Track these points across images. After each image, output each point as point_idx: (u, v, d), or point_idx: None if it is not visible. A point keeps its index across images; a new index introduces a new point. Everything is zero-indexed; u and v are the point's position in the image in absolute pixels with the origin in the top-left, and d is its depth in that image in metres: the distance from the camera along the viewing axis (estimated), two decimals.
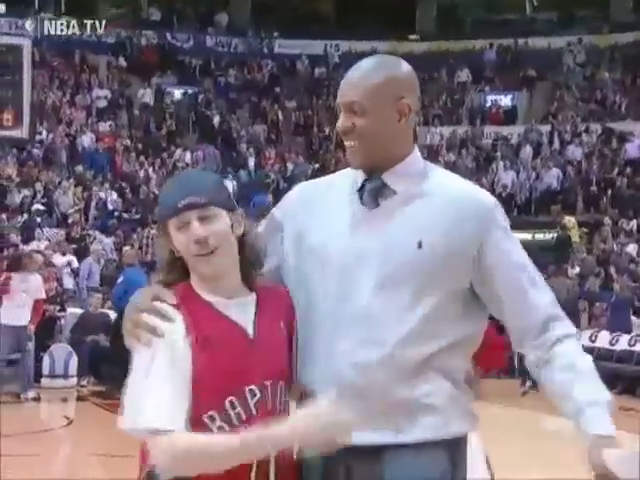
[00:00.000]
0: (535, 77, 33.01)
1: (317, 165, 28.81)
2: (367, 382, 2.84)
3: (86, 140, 28.36)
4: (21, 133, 22.98)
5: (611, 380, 15.51)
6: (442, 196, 2.98)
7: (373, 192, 2.97)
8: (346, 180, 3.06)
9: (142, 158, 28.32)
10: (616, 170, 27.87)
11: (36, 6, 32.26)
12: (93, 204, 24.78)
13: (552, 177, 27.66)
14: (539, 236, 24.98)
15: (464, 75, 32.77)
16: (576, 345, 2.98)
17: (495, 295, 2.96)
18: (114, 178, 26.42)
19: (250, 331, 2.70)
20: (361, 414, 2.60)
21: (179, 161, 28.24)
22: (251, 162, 28.50)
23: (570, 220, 25.15)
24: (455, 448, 2.97)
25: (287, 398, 2.76)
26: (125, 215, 24.16)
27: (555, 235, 24.78)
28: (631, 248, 22.76)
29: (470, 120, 31.97)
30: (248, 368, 2.67)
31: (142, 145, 29.33)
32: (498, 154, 29.71)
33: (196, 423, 2.58)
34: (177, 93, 32.83)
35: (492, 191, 23.66)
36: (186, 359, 2.63)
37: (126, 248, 18.76)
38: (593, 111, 31.27)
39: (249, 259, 2.78)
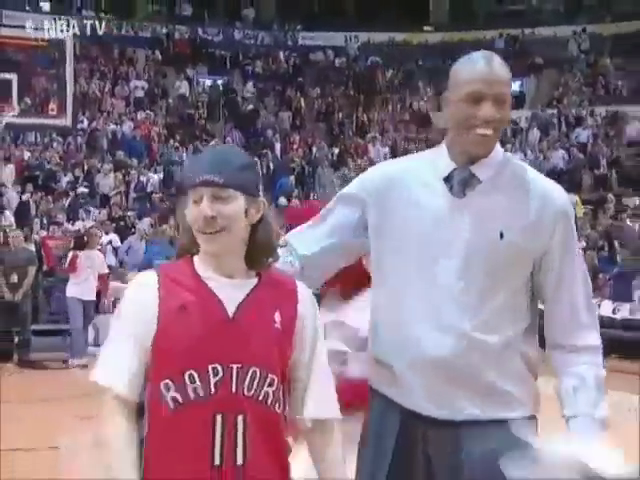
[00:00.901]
0: (542, 64, 32.81)
1: (337, 150, 28.66)
2: (456, 365, 2.83)
3: (125, 128, 28.35)
4: (65, 122, 22.97)
5: (613, 345, 15.51)
6: (522, 189, 2.99)
7: (462, 182, 2.97)
8: (423, 166, 3.07)
9: (177, 144, 28.19)
10: (619, 150, 27.66)
11: (78, 4, 32.27)
12: (132, 187, 24.86)
13: (558, 158, 27.58)
14: None
15: None
16: (594, 358, 2.97)
17: (549, 287, 3.00)
18: (151, 162, 26.33)
19: (231, 311, 2.57)
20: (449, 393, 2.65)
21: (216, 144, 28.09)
22: (277, 147, 28.16)
23: (574, 198, 25.12)
24: (528, 426, 2.94)
25: (266, 388, 2.56)
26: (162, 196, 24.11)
27: None
28: (634, 224, 22.58)
29: None
30: (216, 345, 2.54)
31: (177, 131, 29.18)
32: (508, 137, 29.59)
33: (153, 389, 2.52)
34: (208, 83, 32.80)
35: None
36: (149, 325, 2.55)
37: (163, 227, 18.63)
38: (597, 96, 31.02)
39: (259, 245, 2.65)
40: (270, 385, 2.55)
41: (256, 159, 25.39)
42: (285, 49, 34.81)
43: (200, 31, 34.00)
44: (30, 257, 17.23)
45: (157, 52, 32.75)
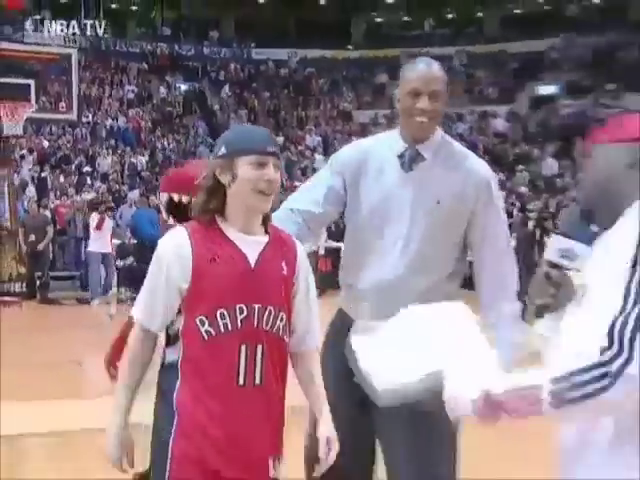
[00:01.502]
0: None
1: (282, 139, 28.62)
2: (392, 296, 2.83)
3: (120, 122, 28.24)
4: (72, 116, 22.65)
5: None
6: (455, 165, 3.05)
7: (411, 159, 3.02)
8: (384, 145, 3.12)
9: (159, 134, 28.20)
10: (488, 139, 27.98)
11: (83, 26, 31.77)
12: (126, 167, 24.70)
13: None
14: None
15: (384, 77, 32.62)
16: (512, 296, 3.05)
17: (476, 240, 3.06)
18: (140, 148, 26.19)
19: (252, 262, 2.50)
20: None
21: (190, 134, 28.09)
22: None
23: None
24: None
25: (278, 323, 2.52)
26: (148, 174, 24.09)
27: None
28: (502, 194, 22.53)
29: (390, 106, 32.00)
30: (242, 289, 2.48)
31: (159, 125, 29.04)
32: None
33: (188, 324, 2.46)
34: (183, 87, 32.44)
35: None
36: (185, 273, 2.47)
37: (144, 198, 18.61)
38: (472, 98, 31.34)
39: (272, 208, 2.63)
40: (281, 320, 2.51)
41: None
42: (242, 62, 34.65)
43: (177, 47, 33.82)
44: (46, 220, 17.20)
45: (144, 64, 32.46)
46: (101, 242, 15.85)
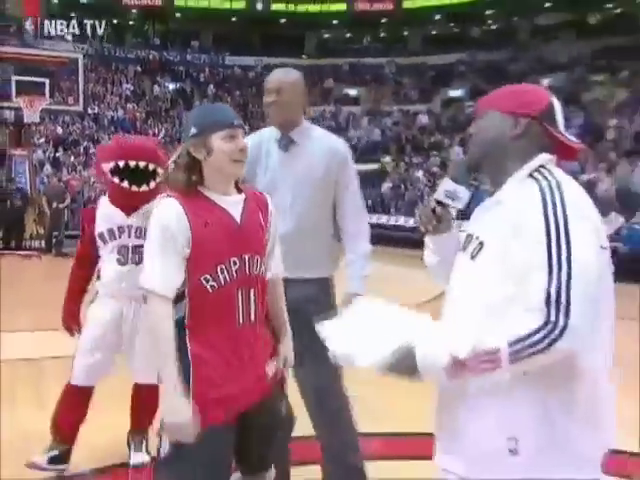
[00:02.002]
0: (368, 80, 32.96)
1: (249, 128, 28.51)
2: (288, 243, 2.77)
3: (119, 114, 27.85)
4: (79, 108, 22.36)
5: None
6: (320, 145, 3.06)
7: (285, 143, 3.05)
8: (271, 134, 3.09)
9: (151, 123, 27.85)
10: (413, 131, 28.05)
11: (90, 36, 31.19)
12: None
13: (377, 135, 27.82)
14: (372, 166, 25.07)
15: (330, 81, 32.51)
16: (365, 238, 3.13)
17: (339, 199, 3.09)
18: (137, 132, 25.93)
19: (238, 219, 2.37)
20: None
21: (175, 124, 27.72)
22: None
23: (385, 158, 25.40)
24: (323, 284, 3.13)
25: (262, 267, 2.41)
26: None
27: (378, 166, 24.99)
28: (420, 174, 22.58)
29: (334, 104, 31.91)
30: (233, 245, 2.34)
31: (151, 116, 28.65)
32: (349, 122, 29.81)
33: (195, 284, 2.30)
34: (171, 87, 31.97)
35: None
36: (185, 239, 2.28)
37: None
38: (399, 99, 31.35)
39: None
40: (263, 264, 2.42)
41: None
42: (217, 66, 34.27)
43: (165, 54, 33.33)
44: (64, 190, 16.99)
45: (138, 67, 31.93)
46: None
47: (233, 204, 2.38)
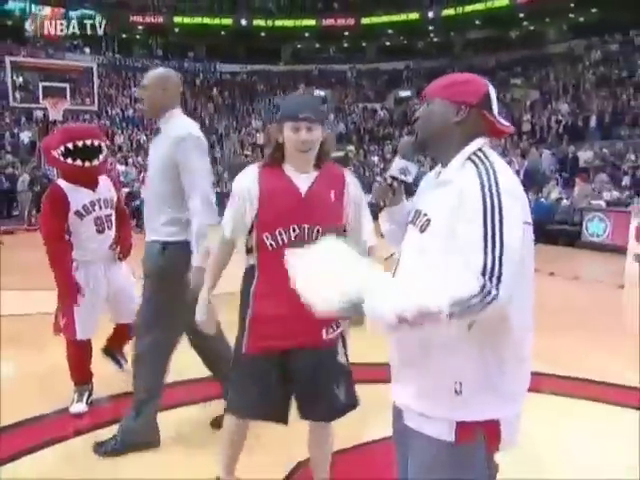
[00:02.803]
0: (334, 82, 32.74)
1: (235, 122, 28.34)
2: (151, 217, 2.91)
3: (129, 112, 27.47)
4: (95, 108, 22.10)
5: None
6: (171, 132, 2.90)
7: (156, 129, 3.06)
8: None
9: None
10: (373, 124, 28.03)
11: (104, 48, 30.74)
12: (134, 141, 24.25)
13: (342, 128, 27.78)
14: (339, 153, 25.01)
15: (302, 84, 32.20)
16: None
17: (184, 183, 2.91)
18: (144, 128, 25.61)
19: (303, 192, 2.25)
20: None
21: None
22: (207, 123, 27.32)
23: (349, 147, 25.47)
24: (161, 247, 2.93)
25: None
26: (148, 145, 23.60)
27: (343, 153, 24.97)
28: (375, 159, 22.58)
29: None
30: (295, 214, 2.24)
31: None
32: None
33: (258, 240, 2.26)
34: None
35: None
36: (254, 200, 2.25)
37: None
38: (360, 96, 31.28)
39: (322, 153, 2.31)
40: (328, 234, 2.18)
41: None
42: (210, 73, 33.86)
43: (166, 64, 32.76)
44: None
45: (144, 74, 31.27)
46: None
47: (304, 179, 2.27)
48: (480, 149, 1.71)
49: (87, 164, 3.50)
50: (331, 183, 2.31)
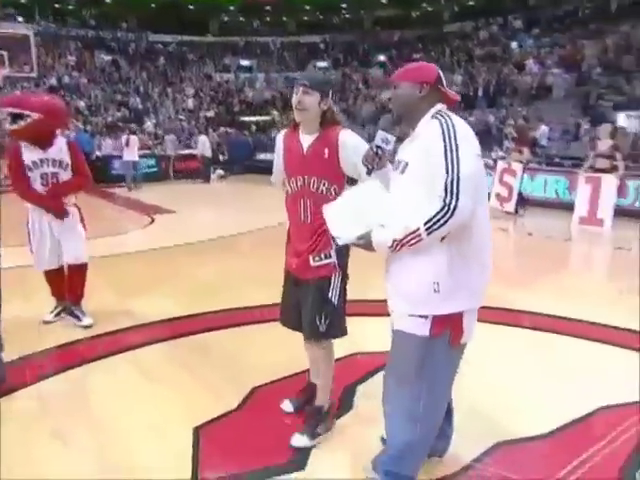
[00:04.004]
0: (259, 53, 31.74)
1: (171, 90, 26.96)
2: None
3: (66, 79, 25.27)
4: (34, 75, 20.56)
5: None
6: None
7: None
8: None
9: (92, 85, 25.48)
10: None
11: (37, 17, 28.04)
12: (73, 107, 22.61)
13: (268, 95, 27.14)
14: (265, 118, 24.55)
15: (229, 54, 30.82)
16: None
17: None
18: (82, 95, 23.92)
19: (304, 149, 2.43)
20: None
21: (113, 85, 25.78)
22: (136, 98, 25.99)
23: (274, 112, 25.07)
24: None
25: (321, 187, 2.40)
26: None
27: (270, 118, 24.61)
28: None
29: (234, 72, 30.62)
30: (299, 167, 2.43)
31: (90, 80, 26.32)
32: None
33: (286, 185, 2.52)
34: (106, 58, 29.20)
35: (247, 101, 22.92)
36: (280, 157, 2.53)
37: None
38: (281, 68, 30.49)
39: (325, 119, 2.41)
40: (324, 185, 2.39)
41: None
42: (142, 42, 31.65)
43: (100, 33, 30.46)
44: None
45: (79, 43, 28.86)
46: (132, 154, 13.84)
47: (307, 139, 2.43)
48: (439, 110, 1.98)
49: (9, 127, 3.69)
50: (327, 142, 2.39)
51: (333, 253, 2.43)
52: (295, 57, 31.50)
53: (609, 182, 8.53)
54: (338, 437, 2.57)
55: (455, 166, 1.78)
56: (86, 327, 3.98)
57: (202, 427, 2.63)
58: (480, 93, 18.30)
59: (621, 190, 8.82)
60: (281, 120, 23.79)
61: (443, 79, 2.05)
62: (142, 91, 25.52)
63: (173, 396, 2.93)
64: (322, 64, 29.77)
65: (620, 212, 8.72)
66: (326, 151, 2.38)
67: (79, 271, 4.04)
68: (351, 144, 2.36)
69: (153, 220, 9.34)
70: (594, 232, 8.24)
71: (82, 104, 23.02)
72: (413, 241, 1.85)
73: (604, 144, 8.61)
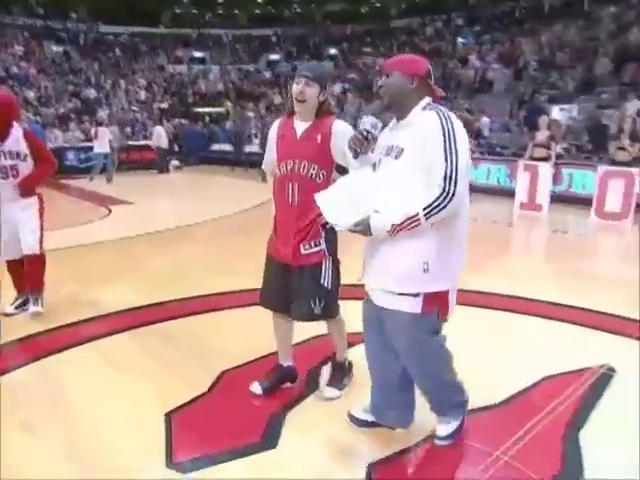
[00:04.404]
0: (211, 46, 31.06)
1: (123, 81, 26.05)
2: None
3: (14, 69, 23.97)
4: None
5: None
6: None
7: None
8: None
9: (42, 76, 24.29)
10: (246, 84, 27.03)
11: None
12: (21, 97, 21.48)
13: (221, 87, 26.64)
14: (219, 109, 24.12)
15: (180, 46, 30.00)
16: None
17: None
18: (31, 85, 22.75)
19: (298, 135, 2.47)
20: None
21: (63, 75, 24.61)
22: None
23: (227, 103, 24.65)
24: None
25: (310, 171, 2.43)
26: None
27: (223, 109, 24.20)
28: (251, 114, 21.47)
29: (186, 63, 29.85)
30: (290, 152, 2.46)
31: (39, 70, 25.10)
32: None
33: (275, 167, 2.54)
34: (55, 48, 27.93)
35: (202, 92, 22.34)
36: (272, 143, 2.55)
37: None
38: (234, 61, 29.95)
39: (321, 110, 2.46)
40: (314, 169, 2.43)
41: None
42: (93, 33, 30.37)
43: (49, 23, 28.91)
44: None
45: (26, 33, 27.41)
46: (102, 146, 12.91)
47: (302, 126, 2.48)
48: (429, 103, 2.06)
49: None
50: (321, 129, 2.44)
51: (322, 241, 2.48)
52: (248, 49, 31.04)
53: (545, 170, 8.88)
54: (305, 416, 2.59)
55: (453, 156, 1.85)
56: (34, 315, 3.86)
57: (173, 412, 2.59)
58: None
59: (556, 177, 9.24)
60: (235, 111, 23.45)
61: (432, 75, 2.10)
62: (94, 82, 24.59)
63: (142, 384, 2.87)
64: (274, 56, 29.48)
65: (556, 198, 9.11)
66: (319, 137, 2.43)
67: (34, 262, 3.90)
68: (343, 132, 2.40)
69: (110, 211, 9.06)
70: (533, 217, 8.58)
71: (32, 95, 21.93)
72: (411, 226, 1.92)
73: (542, 134, 8.97)
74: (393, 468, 2.18)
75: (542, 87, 15.41)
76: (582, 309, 4.05)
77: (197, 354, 3.26)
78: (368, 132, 2.06)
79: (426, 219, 1.90)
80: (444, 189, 1.86)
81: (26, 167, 3.81)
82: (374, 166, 2.13)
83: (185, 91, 26.38)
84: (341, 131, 2.41)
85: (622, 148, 8.45)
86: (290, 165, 2.46)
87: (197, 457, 2.25)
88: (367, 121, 2.05)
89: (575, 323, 3.77)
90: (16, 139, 3.75)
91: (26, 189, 3.82)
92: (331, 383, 2.77)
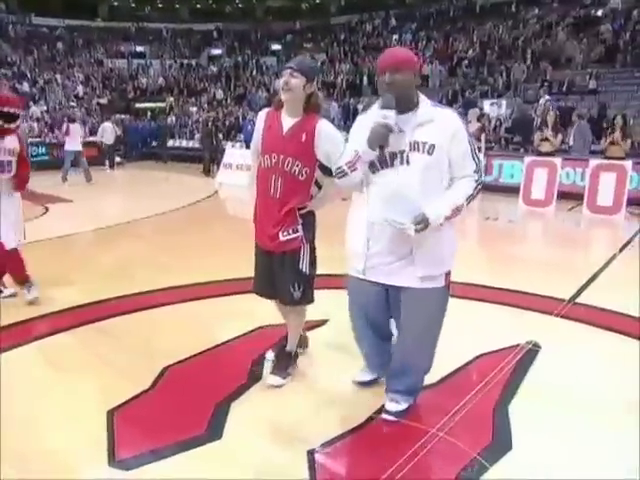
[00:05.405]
0: (151, 40, 30.00)
1: (60, 75, 24.76)
2: None
3: None
4: None
5: None
6: None
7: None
8: None
9: None
10: (188, 78, 26.42)
11: None
12: None
13: (162, 81, 25.81)
14: (161, 104, 23.34)
15: (120, 40, 28.82)
16: None
17: None
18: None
19: (284, 131, 2.50)
20: None
21: None
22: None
23: (169, 98, 23.90)
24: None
25: (294, 167, 2.47)
26: None
27: (165, 104, 23.48)
28: (194, 109, 21.30)
29: (132, 57, 28.73)
30: (276, 146, 2.48)
31: None
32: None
33: (259, 160, 2.58)
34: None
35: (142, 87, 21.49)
36: (259, 132, 2.58)
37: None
38: (175, 55, 29.14)
39: (309, 104, 2.50)
40: (297, 166, 2.47)
41: None
42: (26, 25, 28.64)
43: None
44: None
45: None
46: (72, 144, 11.93)
47: (288, 121, 2.50)
48: (430, 98, 2.25)
49: (7, 125, 3.82)
50: (305, 128, 2.47)
51: (300, 228, 2.54)
52: (189, 44, 30.23)
53: None
54: (249, 406, 2.58)
55: (476, 151, 2.14)
56: (32, 302, 3.99)
57: (116, 409, 2.53)
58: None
59: (486, 168, 9.59)
60: (177, 106, 22.82)
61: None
62: (28, 76, 23.26)
63: (84, 383, 2.79)
64: (216, 51, 28.91)
65: (486, 187, 9.51)
66: (304, 136, 2.46)
67: (7, 255, 3.99)
68: (327, 134, 2.47)
69: (47, 209, 8.64)
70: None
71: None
72: (456, 215, 2.15)
73: (473, 126, 9.30)
74: (334, 451, 2.20)
75: (474, 82, 15.94)
76: (512, 291, 4.18)
77: (139, 351, 3.18)
78: (391, 127, 2.12)
79: (466, 206, 2.14)
80: (477, 181, 2.12)
81: (17, 163, 3.99)
82: (390, 160, 2.19)
83: (125, 86, 25.43)
84: (325, 132, 2.46)
85: (546, 139, 8.88)
86: (275, 159, 2.50)
87: (140, 453, 2.20)
88: (383, 114, 2.11)
89: (505, 304, 3.90)
90: (13, 138, 3.95)
91: (25, 184, 4.05)
92: (275, 371, 2.77)
